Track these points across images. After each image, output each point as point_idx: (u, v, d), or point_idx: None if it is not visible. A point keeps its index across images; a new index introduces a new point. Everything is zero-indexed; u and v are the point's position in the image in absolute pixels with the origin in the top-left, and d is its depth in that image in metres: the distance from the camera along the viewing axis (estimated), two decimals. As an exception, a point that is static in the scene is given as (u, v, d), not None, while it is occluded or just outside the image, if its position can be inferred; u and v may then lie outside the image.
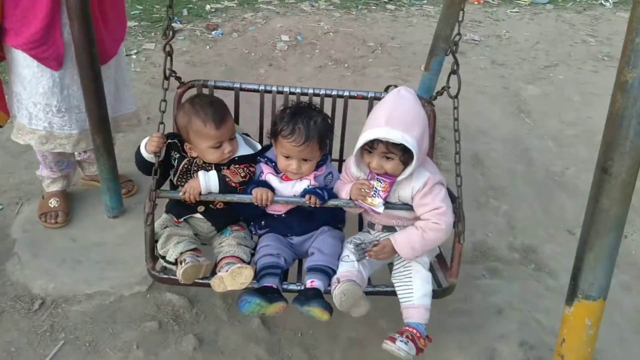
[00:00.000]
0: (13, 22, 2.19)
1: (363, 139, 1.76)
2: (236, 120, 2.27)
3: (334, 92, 2.26)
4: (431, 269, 1.99)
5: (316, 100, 2.24)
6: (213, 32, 4.94)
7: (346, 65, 4.65)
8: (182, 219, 2.01)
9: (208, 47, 4.68)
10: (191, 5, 5.45)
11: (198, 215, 2.01)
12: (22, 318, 2.26)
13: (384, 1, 6.09)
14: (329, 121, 2.02)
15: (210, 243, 2.07)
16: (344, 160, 2.15)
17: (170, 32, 1.96)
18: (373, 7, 5.91)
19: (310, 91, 2.25)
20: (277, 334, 2.49)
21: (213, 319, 2.48)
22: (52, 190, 2.74)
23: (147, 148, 1.91)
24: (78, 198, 2.88)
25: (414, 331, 1.81)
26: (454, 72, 2.04)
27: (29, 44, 2.21)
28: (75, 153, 2.80)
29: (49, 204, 2.69)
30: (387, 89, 2.22)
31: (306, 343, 2.47)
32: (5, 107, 2.40)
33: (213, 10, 5.41)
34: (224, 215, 2.04)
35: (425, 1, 6.17)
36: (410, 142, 1.70)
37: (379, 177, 1.80)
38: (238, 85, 2.26)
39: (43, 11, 2.15)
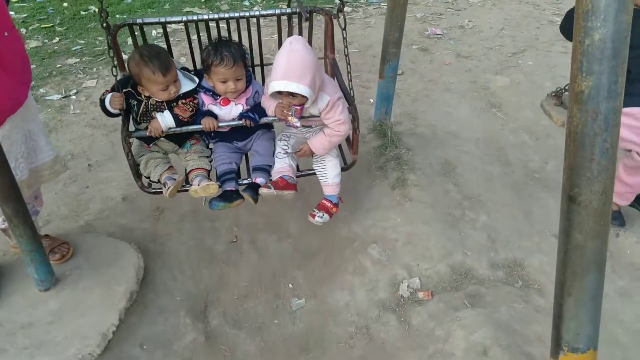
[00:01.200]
0: None
1: (270, 89, 2.23)
2: (170, 52, 2.54)
3: (247, 14, 2.54)
4: (341, 151, 2.74)
5: (234, 24, 2.67)
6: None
7: (303, 78, 4.35)
8: (151, 144, 2.51)
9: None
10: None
11: (162, 138, 2.46)
12: None
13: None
14: (243, 47, 2.39)
15: (177, 154, 2.60)
16: (268, 64, 2.64)
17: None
18: (328, 12, 5.62)
19: (227, 15, 2.54)
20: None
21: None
22: (-27, 268, 2.44)
23: (112, 106, 2.30)
24: (8, 270, 2.56)
25: (328, 204, 2.60)
26: (340, 10, 2.43)
27: None
28: (-1, 220, 2.51)
29: (-30, 285, 2.39)
30: (289, 4, 2.66)
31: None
32: None
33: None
34: (182, 136, 2.51)
35: (382, -1, 5.90)
36: (303, 89, 2.17)
37: (291, 106, 2.32)
38: (164, 20, 2.48)
39: None
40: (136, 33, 2.52)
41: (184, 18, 2.49)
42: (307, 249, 2.93)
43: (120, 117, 2.31)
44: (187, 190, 2.44)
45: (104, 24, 2.25)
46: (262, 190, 2.37)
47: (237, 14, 2.52)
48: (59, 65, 4.56)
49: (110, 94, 2.31)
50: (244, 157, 2.69)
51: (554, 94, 3.08)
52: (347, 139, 2.67)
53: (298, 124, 2.36)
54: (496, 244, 2.79)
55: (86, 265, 2.57)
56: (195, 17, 2.50)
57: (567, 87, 3.05)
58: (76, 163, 3.45)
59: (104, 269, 2.55)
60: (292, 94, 2.24)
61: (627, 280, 2.64)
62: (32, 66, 4.20)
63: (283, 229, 3.03)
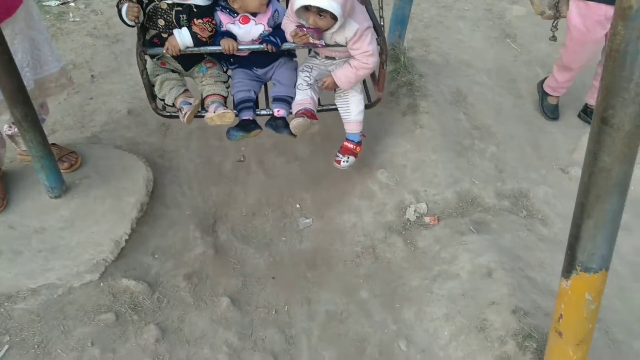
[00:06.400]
0: None
1: (297, 3, 2.10)
2: None
3: None
4: (365, 86, 2.60)
5: None
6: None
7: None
8: (155, 58, 2.39)
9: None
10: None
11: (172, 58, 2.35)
12: (-41, 324, 2.03)
13: None
14: None
15: (193, 78, 2.51)
16: None
17: None
18: None
19: None
20: (249, 313, 2.29)
21: (177, 303, 2.27)
22: (-18, 173, 2.43)
23: (127, 17, 2.18)
24: (16, 177, 2.56)
25: (351, 145, 2.53)
26: None
27: None
28: (5, 127, 2.47)
29: (-19, 189, 2.39)
30: None
31: (281, 322, 2.27)
32: None
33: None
34: (196, 58, 2.42)
35: None
36: (334, 6, 2.05)
37: (308, 29, 2.18)
38: None
39: None
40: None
41: None
42: (314, 171, 2.94)
43: (136, 31, 2.21)
44: (202, 116, 2.38)
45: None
46: (297, 120, 2.30)
47: None
48: (57, -30, 4.33)
49: (127, 4, 2.18)
50: (263, 87, 2.59)
51: None
52: (372, 75, 2.55)
53: (323, 42, 2.22)
54: (503, 174, 2.82)
55: (95, 175, 2.58)
56: None
57: None
58: (79, 73, 3.36)
59: (113, 180, 2.55)
60: (321, 14, 2.12)
61: (628, 215, 2.67)
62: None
63: (290, 151, 3.02)
